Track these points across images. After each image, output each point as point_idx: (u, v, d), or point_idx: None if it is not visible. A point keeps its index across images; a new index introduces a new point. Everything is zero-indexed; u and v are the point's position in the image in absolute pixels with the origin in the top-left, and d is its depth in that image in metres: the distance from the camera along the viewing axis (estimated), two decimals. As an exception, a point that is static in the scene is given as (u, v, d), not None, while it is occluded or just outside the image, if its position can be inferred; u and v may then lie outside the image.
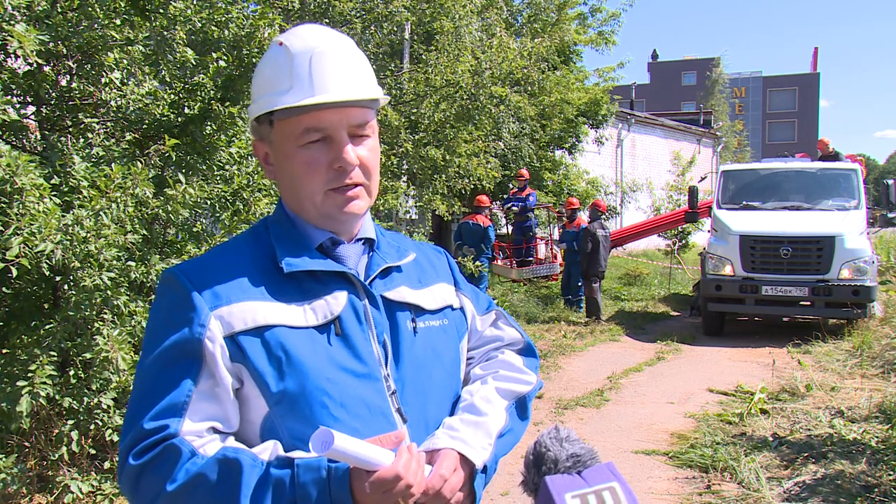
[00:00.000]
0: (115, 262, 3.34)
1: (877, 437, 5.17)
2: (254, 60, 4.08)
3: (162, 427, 1.13)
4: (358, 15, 9.07)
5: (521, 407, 1.42)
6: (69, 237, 3.15)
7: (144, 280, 3.65)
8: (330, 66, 1.23)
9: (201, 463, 1.10)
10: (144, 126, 4.04)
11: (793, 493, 4.47)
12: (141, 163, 3.50)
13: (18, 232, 3.00)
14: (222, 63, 4.04)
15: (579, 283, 12.29)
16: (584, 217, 12.70)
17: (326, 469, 1.09)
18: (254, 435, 1.19)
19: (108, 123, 4.08)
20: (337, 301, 1.25)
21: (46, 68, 3.76)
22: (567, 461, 1.28)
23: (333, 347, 1.22)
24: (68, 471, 3.70)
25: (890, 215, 11.81)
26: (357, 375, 1.22)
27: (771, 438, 5.45)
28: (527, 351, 1.52)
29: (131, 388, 3.46)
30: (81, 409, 3.54)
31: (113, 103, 4.01)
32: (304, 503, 1.08)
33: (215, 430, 1.17)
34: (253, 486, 1.08)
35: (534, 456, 1.32)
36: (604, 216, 12.33)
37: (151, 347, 1.19)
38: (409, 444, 1.14)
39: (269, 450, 1.14)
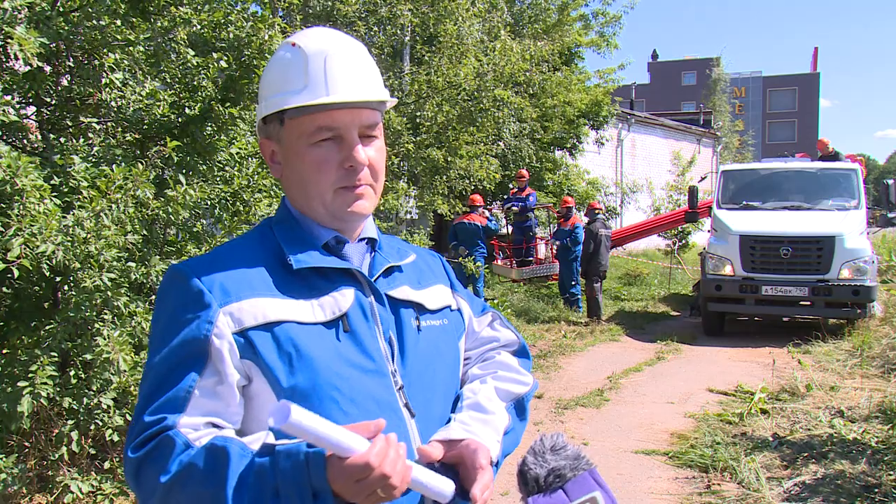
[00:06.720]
0: (115, 262, 3.34)
1: (877, 437, 5.17)
2: (254, 62, 4.08)
3: (159, 420, 1.13)
4: (361, 17, 9.08)
5: (519, 407, 1.44)
6: (69, 238, 3.15)
7: (145, 281, 3.65)
8: (344, 68, 1.26)
9: (193, 454, 1.10)
10: (145, 126, 4.05)
11: (793, 493, 4.47)
12: (142, 164, 3.50)
13: (19, 233, 3.00)
14: (223, 64, 4.04)
15: (573, 282, 12.30)
16: (579, 216, 12.68)
17: (305, 455, 1.07)
18: (262, 431, 1.19)
19: (109, 124, 4.08)
20: (344, 298, 1.26)
21: (47, 69, 3.77)
22: (549, 477, 1.29)
23: (342, 343, 1.23)
24: (68, 471, 3.70)
25: (890, 215, 11.83)
26: (365, 371, 1.23)
27: (771, 438, 5.45)
28: (521, 352, 1.54)
29: (132, 388, 3.47)
30: (81, 410, 3.54)
31: (113, 104, 4.01)
32: (285, 489, 1.06)
33: (214, 426, 1.17)
34: (239, 473, 1.08)
35: (519, 475, 1.33)
36: (602, 216, 12.33)
37: (159, 344, 1.19)
38: (389, 434, 1.10)
39: (260, 439, 1.14)
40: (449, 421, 1.32)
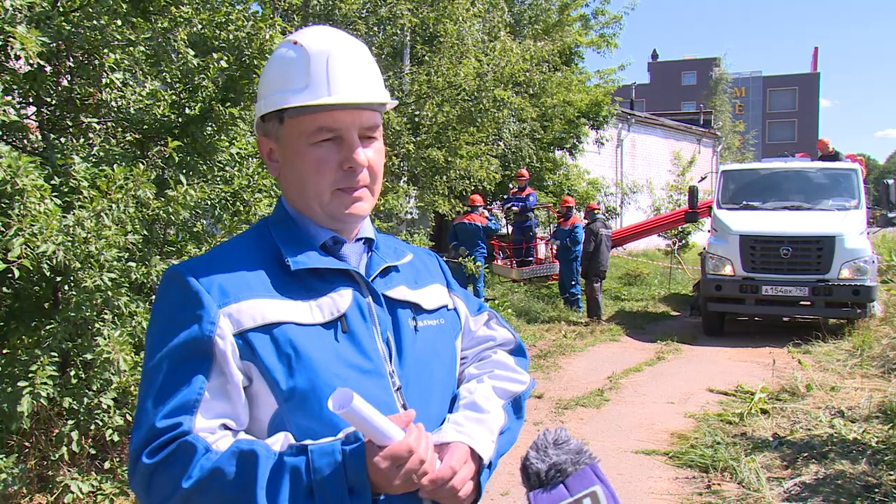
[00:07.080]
0: (115, 262, 3.34)
1: (877, 437, 5.17)
2: (254, 62, 4.08)
3: (175, 425, 1.13)
4: (361, 17, 9.08)
5: (516, 406, 1.43)
6: (70, 238, 3.15)
7: (145, 281, 3.65)
8: (346, 68, 1.26)
9: (216, 458, 1.11)
10: (145, 126, 4.05)
11: (793, 493, 4.47)
12: (142, 164, 3.51)
13: (20, 233, 3.00)
14: (223, 64, 4.04)
15: (573, 282, 12.30)
16: (579, 216, 12.68)
17: (341, 452, 1.10)
18: (261, 432, 1.20)
19: (109, 124, 4.08)
20: (343, 298, 1.26)
21: (47, 69, 3.77)
22: (550, 471, 1.29)
23: (340, 344, 1.23)
24: (68, 471, 3.70)
25: (890, 215, 11.82)
26: (363, 372, 1.23)
27: (771, 438, 5.45)
28: (518, 351, 1.54)
29: (132, 388, 3.47)
30: (81, 410, 3.54)
31: (113, 104, 4.01)
32: (320, 488, 1.08)
33: (226, 428, 1.18)
34: (268, 475, 1.09)
35: (521, 470, 1.33)
36: (602, 216, 12.34)
37: (158, 345, 1.19)
38: (419, 423, 1.16)
39: (280, 441, 1.15)
40: (444, 421, 1.32)
